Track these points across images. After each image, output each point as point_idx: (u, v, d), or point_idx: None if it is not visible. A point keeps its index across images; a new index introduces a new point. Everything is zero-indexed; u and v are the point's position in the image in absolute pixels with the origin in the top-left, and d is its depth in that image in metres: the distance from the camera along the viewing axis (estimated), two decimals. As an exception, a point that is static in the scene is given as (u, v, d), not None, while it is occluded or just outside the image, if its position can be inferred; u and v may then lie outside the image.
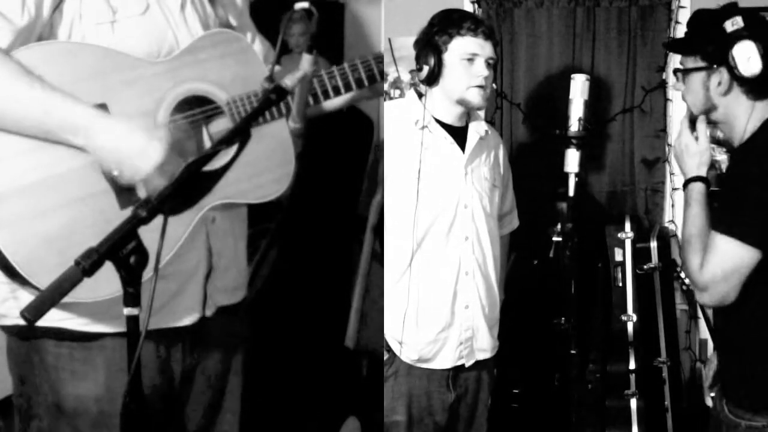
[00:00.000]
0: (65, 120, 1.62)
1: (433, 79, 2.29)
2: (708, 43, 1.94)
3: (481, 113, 3.07)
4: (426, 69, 2.28)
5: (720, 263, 1.83)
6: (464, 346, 2.34)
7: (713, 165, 3.10)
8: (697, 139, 1.99)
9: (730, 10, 1.92)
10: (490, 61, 2.30)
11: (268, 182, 1.87)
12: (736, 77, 1.90)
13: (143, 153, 1.64)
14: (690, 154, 1.99)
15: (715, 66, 1.92)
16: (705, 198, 1.94)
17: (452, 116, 2.34)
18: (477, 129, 2.36)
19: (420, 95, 2.35)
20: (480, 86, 2.28)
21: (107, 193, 1.68)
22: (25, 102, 1.60)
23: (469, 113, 2.39)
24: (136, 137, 1.65)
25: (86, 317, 1.71)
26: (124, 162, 1.65)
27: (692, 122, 2.02)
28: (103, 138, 1.63)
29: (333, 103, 2.00)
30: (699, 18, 2.02)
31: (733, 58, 1.88)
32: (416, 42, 2.35)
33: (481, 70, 2.27)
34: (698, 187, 1.95)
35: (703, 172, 1.98)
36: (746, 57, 1.87)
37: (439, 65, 2.28)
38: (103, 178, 1.68)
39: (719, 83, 1.92)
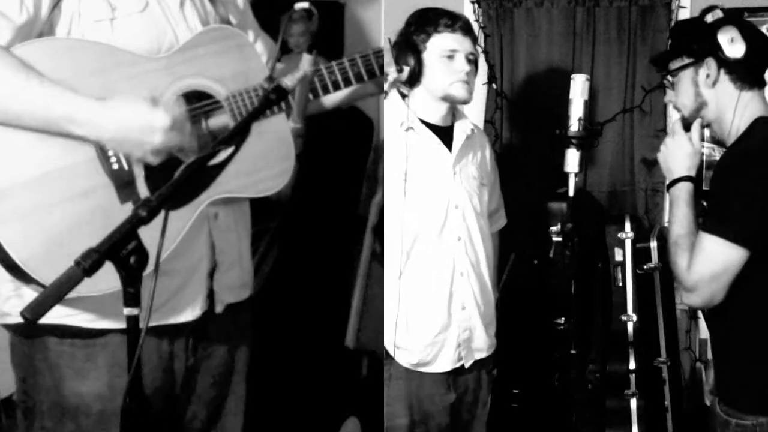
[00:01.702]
0: (65, 111, 1.62)
1: (414, 79, 2.28)
2: (692, 40, 1.98)
3: (479, 114, 3.08)
4: (407, 70, 2.27)
5: (708, 263, 1.83)
6: (463, 347, 2.34)
7: (713, 165, 3.11)
8: (691, 140, 2.00)
9: (707, 9, 1.97)
10: (471, 57, 2.29)
11: (268, 177, 1.87)
12: (723, 63, 1.93)
13: (147, 124, 1.65)
14: (686, 153, 2.00)
15: (701, 59, 1.95)
16: (692, 197, 1.95)
17: (437, 116, 2.33)
18: (463, 128, 2.35)
19: (403, 96, 2.34)
20: (463, 81, 2.27)
21: (108, 188, 1.68)
22: (24, 95, 1.61)
23: (454, 113, 2.37)
24: (136, 110, 1.65)
25: (90, 313, 1.71)
26: (130, 139, 1.64)
27: (685, 124, 2.03)
28: (105, 121, 1.64)
29: (332, 99, 2.00)
30: (680, 26, 2.12)
31: (718, 44, 1.91)
32: (394, 44, 2.33)
33: (462, 66, 2.26)
34: (687, 187, 1.96)
35: (693, 173, 1.98)
36: (729, 39, 1.91)
37: (419, 65, 2.27)
38: (104, 173, 1.68)
39: (707, 75, 1.94)
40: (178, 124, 1.68)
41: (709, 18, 1.94)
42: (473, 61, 2.31)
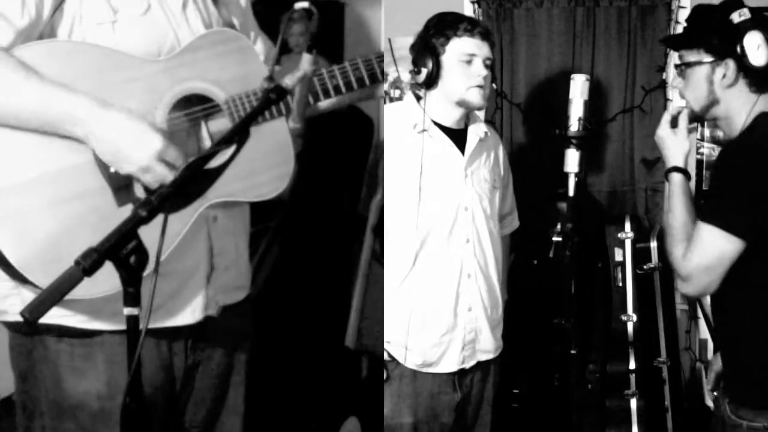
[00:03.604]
0: (63, 111, 1.62)
1: (431, 81, 2.29)
2: (713, 35, 1.93)
3: (480, 115, 3.09)
4: (424, 72, 2.28)
5: (703, 253, 1.83)
6: (467, 348, 2.35)
7: (712, 165, 3.11)
8: (675, 131, 2.01)
9: (732, 4, 1.92)
10: (488, 62, 2.30)
11: (267, 181, 1.87)
12: (743, 68, 1.90)
13: (141, 141, 1.64)
14: (666, 145, 2.02)
15: (721, 59, 1.92)
16: (685, 188, 1.96)
17: (451, 119, 2.34)
18: (476, 131, 2.37)
19: (418, 98, 2.36)
20: (479, 86, 2.28)
21: (104, 191, 1.68)
22: (23, 94, 1.61)
23: (468, 115, 2.39)
24: (134, 127, 1.65)
25: (85, 314, 1.71)
26: (121, 151, 1.64)
27: (674, 117, 2.03)
28: (100, 128, 1.63)
29: (324, 104, 2.00)
30: (700, 13, 2.01)
31: (743, 48, 1.88)
32: (413, 45, 2.35)
33: (479, 70, 2.28)
34: (677, 178, 1.96)
35: (680, 163, 1.99)
36: (756, 46, 1.88)
37: (437, 67, 2.28)
38: (100, 175, 1.68)
39: (724, 76, 1.92)
40: (171, 144, 1.68)
41: (736, 18, 1.89)
42: (490, 67, 2.32)
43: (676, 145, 2.00)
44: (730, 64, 1.91)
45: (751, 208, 1.81)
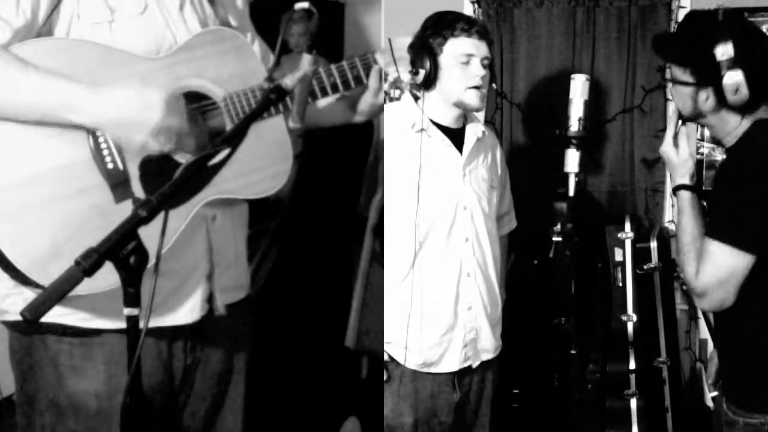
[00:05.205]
0: (61, 99, 1.62)
1: (429, 82, 2.29)
2: (697, 61, 1.92)
3: (479, 115, 3.09)
4: (422, 72, 2.28)
5: (714, 270, 1.84)
6: (469, 347, 2.35)
7: (713, 165, 3.12)
8: (678, 150, 2.01)
9: (722, 24, 1.92)
10: (485, 61, 2.30)
11: (265, 178, 1.87)
12: (724, 103, 1.90)
13: (143, 102, 1.65)
14: (671, 165, 2.02)
15: (703, 86, 1.91)
16: (694, 204, 1.96)
17: (449, 118, 2.34)
18: (474, 130, 2.36)
19: (416, 98, 2.36)
20: (477, 87, 2.27)
21: (102, 188, 1.68)
22: (20, 85, 1.61)
23: (465, 115, 2.39)
24: (130, 93, 1.65)
25: (86, 312, 1.71)
26: (128, 120, 1.65)
27: (677, 134, 2.04)
28: (99, 108, 1.63)
29: (332, 118, 2.01)
30: (690, 24, 2.02)
31: (722, 88, 1.87)
32: (411, 46, 2.35)
33: (477, 71, 2.27)
34: (685, 196, 1.97)
35: (686, 181, 1.99)
36: (734, 88, 1.86)
37: (435, 68, 2.28)
38: (98, 173, 1.68)
39: (707, 99, 1.92)
40: (173, 101, 1.68)
41: (719, 53, 1.87)
42: (488, 66, 2.31)
43: (681, 164, 2.00)
44: (711, 93, 1.91)
45: (757, 221, 1.81)
